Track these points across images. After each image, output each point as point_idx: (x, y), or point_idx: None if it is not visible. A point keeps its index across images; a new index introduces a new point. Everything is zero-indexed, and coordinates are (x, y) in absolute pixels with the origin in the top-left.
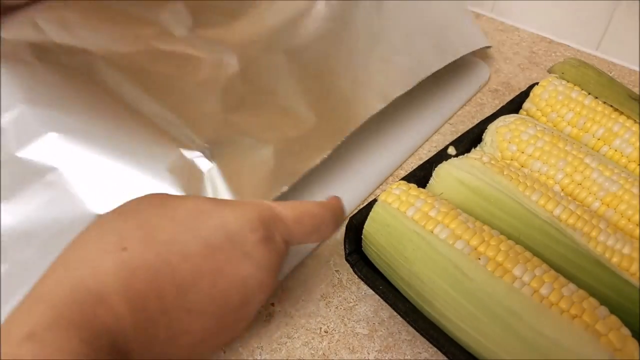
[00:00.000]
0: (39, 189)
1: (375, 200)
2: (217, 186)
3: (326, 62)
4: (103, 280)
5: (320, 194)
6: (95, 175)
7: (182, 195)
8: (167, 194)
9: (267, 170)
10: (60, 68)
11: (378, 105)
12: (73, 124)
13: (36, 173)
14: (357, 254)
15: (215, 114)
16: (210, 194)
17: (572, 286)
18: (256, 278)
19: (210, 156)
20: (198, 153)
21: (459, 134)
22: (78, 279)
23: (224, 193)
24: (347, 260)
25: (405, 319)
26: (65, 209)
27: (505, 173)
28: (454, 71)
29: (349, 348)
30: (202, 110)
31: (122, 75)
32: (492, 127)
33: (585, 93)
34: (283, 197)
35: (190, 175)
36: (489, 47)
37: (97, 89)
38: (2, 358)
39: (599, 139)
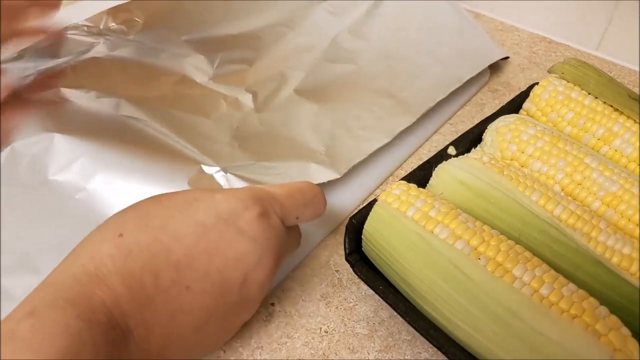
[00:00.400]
0: (69, 207)
1: (375, 200)
2: None
3: (334, 98)
4: (101, 263)
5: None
6: (120, 192)
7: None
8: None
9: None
10: (91, 106)
11: (384, 139)
12: (100, 150)
13: (67, 193)
14: (357, 254)
15: (231, 145)
16: None
17: (572, 286)
18: (254, 254)
19: (227, 173)
20: (217, 168)
21: (459, 134)
22: (79, 265)
23: None
24: (347, 260)
25: (405, 319)
26: (93, 223)
27: (505, 173)
28: None
29: (349, 348)
30: (219, 142)
31: (145, 112)
32: (492, 127)
33: (585, 93)
34: None
35: (209, 187)
36: (506, 57)
37: (121, 122)
38: (2, 334)
39: (599, 139)
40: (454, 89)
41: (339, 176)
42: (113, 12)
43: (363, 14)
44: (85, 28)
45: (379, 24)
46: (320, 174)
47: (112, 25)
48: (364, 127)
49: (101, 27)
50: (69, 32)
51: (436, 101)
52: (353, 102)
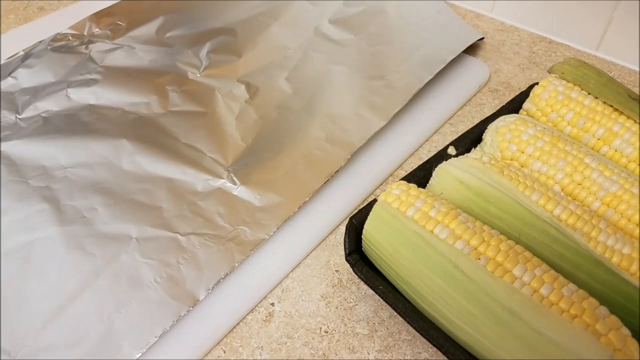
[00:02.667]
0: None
1: (375, 200)
2: (252, 200)
3: (326, 86)
4: None
5: (322, 193)
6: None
7: None
8: None
9: (288, 180)
10: (88, 127)
11: (380, 123)
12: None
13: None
14: (357, 254)
15: (233, 138)
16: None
17: (572, 286)
18: None
19: (235, 179)
20: (223, 180)
21: (459, 134)
22: None
23: (259, 199)
24: (347, 260)
25: (405, 319)
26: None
27: (505, 173)
28: (454, 71)
29: (349, 348)
30: (222, 137)
31: (148, 116)
32: (492, 127)
33: (585, 93)
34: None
35: (222, 197)
36: (482, 38)
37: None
38: None
39: (599, 139)
40: (439, 69)
41: (343, 163)
42: (96, 17)
43: (341, 2)
44: (70, 37)
45: (357, 11)
46: (324, 169)
47: (97, 30)
48: (360, 111)
49: (85, 33)
50: (57, 43)
51: (424, 82)
52: (345, 88)
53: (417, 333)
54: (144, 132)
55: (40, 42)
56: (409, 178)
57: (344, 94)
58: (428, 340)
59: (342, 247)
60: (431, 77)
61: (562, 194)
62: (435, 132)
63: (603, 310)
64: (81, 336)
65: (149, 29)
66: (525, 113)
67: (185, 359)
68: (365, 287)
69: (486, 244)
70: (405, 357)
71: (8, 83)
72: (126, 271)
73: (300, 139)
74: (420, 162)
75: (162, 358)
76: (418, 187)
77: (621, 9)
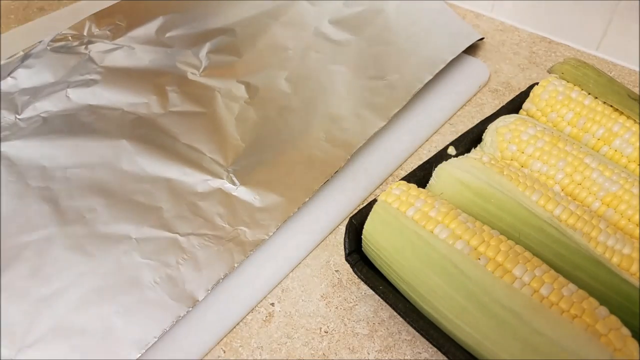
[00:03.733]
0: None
1: (375, 200)
2: (252, 200)
3: (326, 87)
4: None
5: (322, 193)
6: None
7: None
8: None
9: (288, 180)
10: (88, 127)
11: (380, 123)
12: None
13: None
14: (357, 254)
15: (233, 139)
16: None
17: (572, 286)
18: None
19: (234, 180)
20: (222, 180)
21: (459, 134)
22: None
23: (259, 199)
24: (347, 260)
25: (405, 319)
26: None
27: (505, 173)
28: (454, 71)
29: (349, 348)
30: (221, 137)
31: (148, 117)
32: (492, 127)
33: (585, 93)
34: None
35: (222, 197)
36: (482, 38)
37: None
38: None
39: (599, 139)
40: (439, 70)
41: (343, 163)
42: (96, 18)
43: (341, 3)
44: (70, 37)
45: (357, 12)
46: (324, 172)
47: (96, 31)
48: (359, 111)
49: (85, 33)
50: (56, 44)
51: (424, 82)
52: (345, 88)
53: (417, 333)
54: (144, 132)
55: (40, 42)
56: (409, 178)
57: (344, 94)
58: (428, 340)
59: (342, 247)
60: (431, 77)
61: (562, 194)
62: (435, 132)
63: (603, 310)
64: (81, 336)
65: (148, 29)
66: (525, 113)
67: (185, 359)
68: (365, 287)
69: (486, 244)
70: (405, 357)
71: (8, 83)
72: (126, 272)
73: (300, 139)
74: (420, 162)
75: (162, 358)
76: (418, 187)
77: (621, 9)
